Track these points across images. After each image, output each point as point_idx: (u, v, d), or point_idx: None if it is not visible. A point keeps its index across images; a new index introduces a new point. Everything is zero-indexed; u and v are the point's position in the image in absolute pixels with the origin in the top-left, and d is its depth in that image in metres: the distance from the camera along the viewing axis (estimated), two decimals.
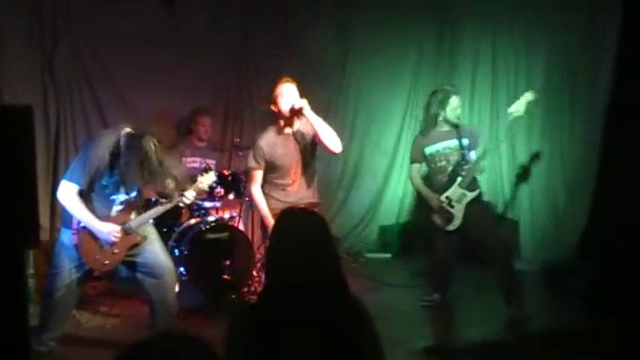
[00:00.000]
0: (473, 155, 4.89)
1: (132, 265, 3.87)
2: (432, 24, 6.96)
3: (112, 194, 3.74)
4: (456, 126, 4.88)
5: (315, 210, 4.06)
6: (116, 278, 4.78)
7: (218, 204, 5.38)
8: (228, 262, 5.05)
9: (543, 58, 6.22)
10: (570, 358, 4.05)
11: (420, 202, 5.25)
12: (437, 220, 4.94)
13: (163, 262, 3.87)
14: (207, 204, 5.33)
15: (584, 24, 5.87)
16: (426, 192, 5.00)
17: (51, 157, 5.45)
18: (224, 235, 5.14)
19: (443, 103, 4.84)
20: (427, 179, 5.11)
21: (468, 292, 5.36)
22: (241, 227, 5.45)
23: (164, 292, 3.86)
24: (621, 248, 5.02)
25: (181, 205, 3.89)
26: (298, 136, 4.17)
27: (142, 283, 3.87)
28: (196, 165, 5.66)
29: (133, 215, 3.82)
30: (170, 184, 3.91)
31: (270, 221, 4.08)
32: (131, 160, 3.58)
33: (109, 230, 3.70)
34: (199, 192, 3.97)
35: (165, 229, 5.27)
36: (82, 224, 3.69)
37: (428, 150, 4.95)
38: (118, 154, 3.59)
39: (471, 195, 4.84)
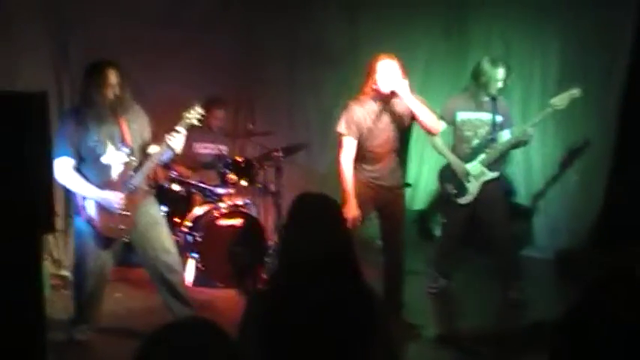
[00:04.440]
0: (505, 135, 4.74)
1: (140, 250, 3.89)
2: (443, 11, 6.87)
3: (102, 154, 3.69)
4: (493, 98, 4.67)
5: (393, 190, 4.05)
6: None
7: (231, 190, 5.36)
8: (241, 249, 5.08)
9: (557, 47, 6.11)
10: None
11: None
12: (449, 189, 4.85)
13: (172, 247, 3.91)
14: (220, 190, 5.33)
15: (599, 13, 5.77)
16: (450, 156, 4.81)
17: None
18: (237, 221, 5.16)
19: (489, 72, 4.60)
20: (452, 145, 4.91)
21: (477, 279, 5.35)
22: (254, 214, 5.46)
23: (174, 277, 3.90)
24: (634, 237, 4.99)
25: (173, 145, 3.73)
26: (394, 113, 4.04)
27: (151, 267, 3.90)
28: (208, 151, 5.64)
29: (132, 173, 3.79)
30: (146, 128, 3.88)
31: (349, 195, 3.97)
32: (93, 89, 3.60)
33: (112, 197, 3.68)
34: (189, 128, 3.85)
35: (178, 219, 5.30)
36: (85, 198, 3.68)
37: (460, 115, 4.75)
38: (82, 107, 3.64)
39: (490, 175, 4.73)
